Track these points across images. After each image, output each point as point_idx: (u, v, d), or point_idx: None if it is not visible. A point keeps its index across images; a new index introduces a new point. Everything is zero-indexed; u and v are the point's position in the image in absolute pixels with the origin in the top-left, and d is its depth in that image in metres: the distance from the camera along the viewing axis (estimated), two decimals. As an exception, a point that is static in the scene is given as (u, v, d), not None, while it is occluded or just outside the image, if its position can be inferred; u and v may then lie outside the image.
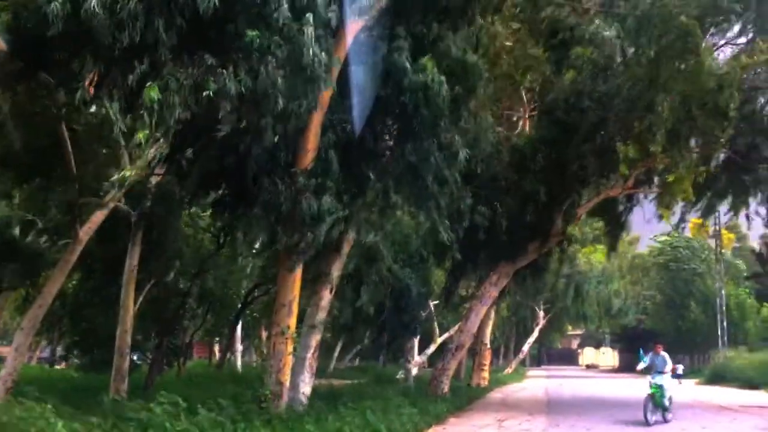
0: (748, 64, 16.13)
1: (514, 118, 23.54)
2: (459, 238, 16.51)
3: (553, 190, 18.73)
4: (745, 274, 43.29)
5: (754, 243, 45.35)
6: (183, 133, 10.50)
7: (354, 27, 11.52)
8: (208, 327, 31.01)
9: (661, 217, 19.06)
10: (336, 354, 39.35)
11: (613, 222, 23.19)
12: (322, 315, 14.19)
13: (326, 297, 14.41)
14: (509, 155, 19.16)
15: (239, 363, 33.41)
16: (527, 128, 22.42)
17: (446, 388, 20.27)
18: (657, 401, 15.43)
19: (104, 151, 15.87)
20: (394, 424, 12.02)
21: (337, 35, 11.12)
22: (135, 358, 25.10)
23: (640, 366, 16.32)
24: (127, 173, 13.92)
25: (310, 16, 9.17)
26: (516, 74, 19.75)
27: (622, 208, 22.51)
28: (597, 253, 44.69)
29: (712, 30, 17.49)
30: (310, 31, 9.08)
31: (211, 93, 8.26)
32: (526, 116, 23.55)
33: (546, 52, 17.76)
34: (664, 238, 50.64)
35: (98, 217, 14.56)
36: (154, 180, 16.30)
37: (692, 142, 16.92)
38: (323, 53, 9.61)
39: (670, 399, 15.83)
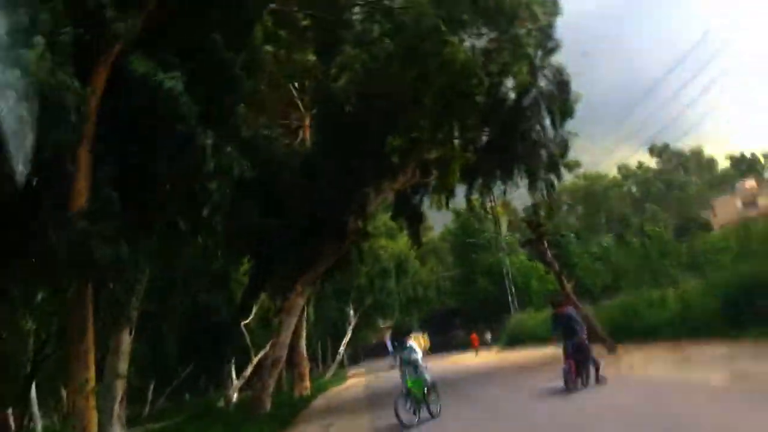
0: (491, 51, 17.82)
1: (294, 126, 23.88)
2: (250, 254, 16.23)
3: (342, 192, 19.21)
4: (519, 240, 47.74)
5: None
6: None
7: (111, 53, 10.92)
8: (-3, 397, 27.76)
9: (439, 205, 20.48)
10: (150, 396, 37.15)
11: (411, 215, 24.41)
12: (124, 361, 13.41)
13: (126, 341, 13.69)
14: (295, 162, 19.32)
15: (39, 428, 30.20)
16: (308, 135, 22.79)
17: (268, 406, 19.95)
18: (417, 397, 12.81)
19: None
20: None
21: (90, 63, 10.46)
22: None
23: (390, 361, 13.31)
24: None
25: (39, 41, 8.47)
26: (285, 80, 20.08)
27: (415, 200, 23.76)
28: (395, 244, 46.75)
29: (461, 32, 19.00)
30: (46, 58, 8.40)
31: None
32: (306, 123, 23.91)
33: (314, 57, 18.30)
34: (452, 220, 54.02)
35: None
36: None
37: (454, 129, 18.30)
38: (74, 82, 8.99)
39: (433, 388, 13.36)
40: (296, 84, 22.78)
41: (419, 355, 13.30)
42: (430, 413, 12.88)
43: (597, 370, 13.14)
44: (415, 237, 26.89)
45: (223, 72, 12.47)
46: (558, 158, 21.09)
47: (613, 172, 74.96)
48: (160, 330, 26.98)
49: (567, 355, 12.99)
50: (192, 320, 26.60)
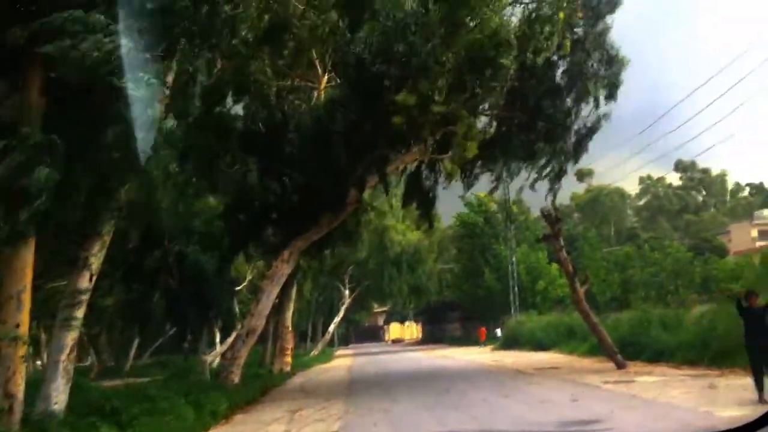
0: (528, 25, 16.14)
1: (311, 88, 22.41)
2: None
3: (346, 160, 17.59)
4: (537, 236, 45.12)
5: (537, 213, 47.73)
6: None
7: None
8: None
9: (449, 176, 18.95)
10: (133, 351, 36.24)
11: (422, 197, 22.58)
12: (78, 309, 11.86)
13: (84, 286, 12.06)
14: (302, 123, 17.73)
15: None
16: (322, 99, 21.30)
17: (237, 379, 18.45)
18: None
19: None
20: (160, 432, 10.13)
21: None
22: None
23: None
24: None
25: None
26: (311, 43, 18.70)
27: (427, 182, 21.90)
28: (412, 233, 45.31)
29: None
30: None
31: None
32: (322, 88, 22.44)
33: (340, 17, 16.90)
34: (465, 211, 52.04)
35: None
36: None
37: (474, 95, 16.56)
38: None
39: None
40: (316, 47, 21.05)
41: None
42: None
43: None
44: (426, 220, 24.66)
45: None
46: (586, 139, 19.38)
47: (628, 184, 74.15)
48: (147, 285, 25.66)
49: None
50: (180, 280, 25.22)
